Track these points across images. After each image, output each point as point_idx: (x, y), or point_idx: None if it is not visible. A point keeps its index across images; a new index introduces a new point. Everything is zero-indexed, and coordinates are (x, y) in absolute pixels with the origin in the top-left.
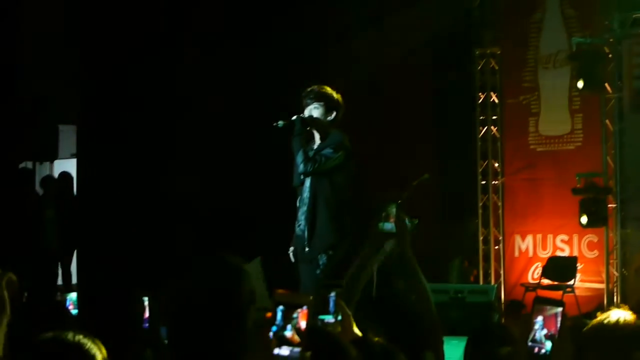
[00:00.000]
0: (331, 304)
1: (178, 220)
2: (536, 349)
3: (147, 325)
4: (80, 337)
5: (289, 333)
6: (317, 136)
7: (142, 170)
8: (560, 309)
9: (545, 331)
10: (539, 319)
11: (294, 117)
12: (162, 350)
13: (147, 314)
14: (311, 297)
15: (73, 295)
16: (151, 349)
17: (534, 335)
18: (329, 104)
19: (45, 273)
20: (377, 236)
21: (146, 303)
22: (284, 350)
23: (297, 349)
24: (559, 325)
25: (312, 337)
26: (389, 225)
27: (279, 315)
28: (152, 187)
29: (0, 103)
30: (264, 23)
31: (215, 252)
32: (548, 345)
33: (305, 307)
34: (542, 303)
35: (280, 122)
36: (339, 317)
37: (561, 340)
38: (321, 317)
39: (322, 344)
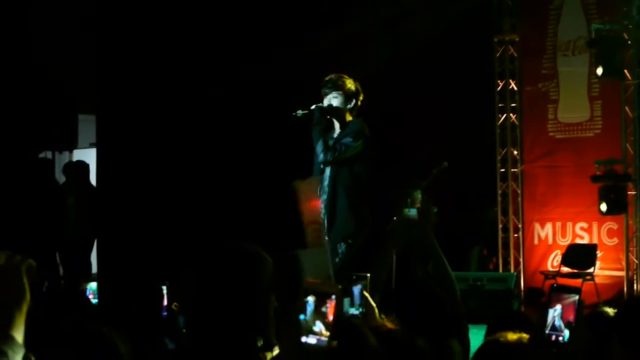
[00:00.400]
0: (356, 296)
1: (197, 209)
2: (554, 337)
3: (165, 313)
4: (102, 328)
5: (316, 322)
6: (337, 125)
7: (161, 160)
8: (577, 297)
9: (562, 319)
10: (557, 307)
11: (313, 107)
12: (180, 339)
13: (165, 303)
14: (340, 287)
15: (93, 285)
16: (170, 337)
17: (553, 322)
18: (347, 93)
19: (70, 261)
20: (402, 222)
21: (165, 292)
22: (311, 339)
23: (324, 338)
24: (575, 312)
25: (339, 327)
26: (414, 211)
27: (309, 304)
28: (171, 176)
29: (19, 93)
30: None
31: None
32: (566, 333)
33: (334, 297)
34: (559, 291)
35: (299, 112)
36: (362, 309)
37: (578, 328)
38: (345, 309)
39: (348, 334)
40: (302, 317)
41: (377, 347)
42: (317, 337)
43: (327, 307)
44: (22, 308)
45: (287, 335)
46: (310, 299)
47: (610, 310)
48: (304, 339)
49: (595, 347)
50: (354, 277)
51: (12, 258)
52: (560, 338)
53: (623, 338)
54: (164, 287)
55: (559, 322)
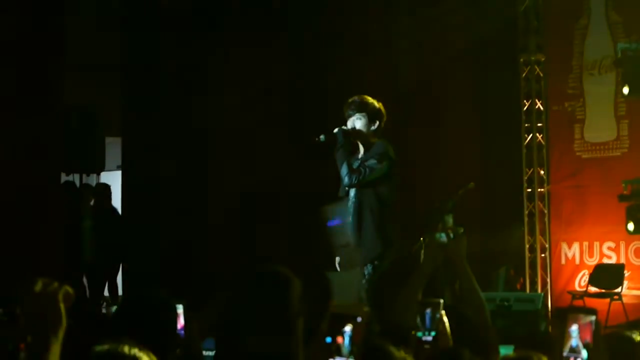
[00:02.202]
0: (427, 320)
1: (223, 232)
2: (572, 358)
3: (182, 332)
4: (135, 350)
5: (342, 345)
6: (361, 147)
7: (186, 181)
8: (594, 317)
9: (580, 339)
10: (574, 327)
11: (336, 130)
12: (199, 356)
13: (182, 322)
14: (366, 309)
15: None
16: (187, 354)
17: (570, 344)
18: (371, 114)
19: (81, 285)
20: (434, 247)
21: (180, 311)
22: None
23: None
24: (593, 333)
25: (367, 350)
26: (444, 236)
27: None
28: (196, 198)
29: (46, 115)
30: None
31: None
32: (584, 354)
33: (359, 319)
34: (575, 312)
35: (322, 137)
36: (434, 333)
37: (596, 349)
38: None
39: (376, 356)
40: (328, 339)
41: None
42: (344, 359)
43: (351, 329)
44: (57, 334)
45: (314, 358)
46: (348, 328)
47: (634, 334)
48: None
49: None
50: (425, 301)
51: (49, 284)
52: (579, 359)
53: None
54: (180, 306)
55: (576, 343)
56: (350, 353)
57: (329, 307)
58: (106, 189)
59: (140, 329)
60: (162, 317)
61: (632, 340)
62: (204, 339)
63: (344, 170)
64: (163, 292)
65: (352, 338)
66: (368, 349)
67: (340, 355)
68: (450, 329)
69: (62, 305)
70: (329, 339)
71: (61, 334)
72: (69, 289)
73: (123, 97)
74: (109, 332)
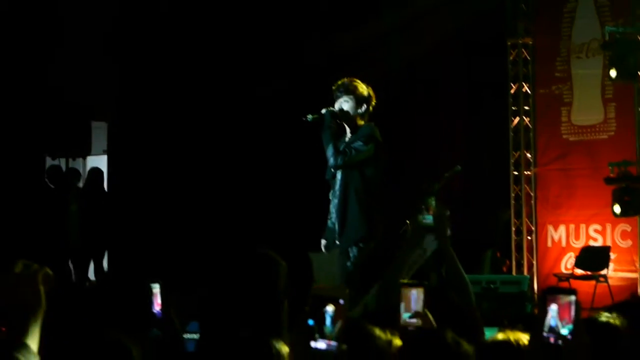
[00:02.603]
0: (413, 302)
1: (209, 215)
2: (552, 339)
3: (159, 311)
4: (117, 334)
5: (326, 326)
6: (348, 130)
7: (172, 166)
8: (573, 298)
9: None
10: (553, 307)
11: (324, 111)
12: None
13: (159, 301)
14: (347, 291)
15: None
16: (165, 335)
17: (549, 323)
18: (359, 97)
19: (66, 268)
20: (418, 229)
21: (156, 290)
22: (321, 344)
23: (334, 343)
24: (573, 313)
25: (349, 330)
26: (430, 218)
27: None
28: (182, 182)
29: (33, 100)
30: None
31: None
32: (565, 332)
33: (341, 301)
34: (555, 292)
35: (310, 116)
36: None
37: (577, 330)
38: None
39: (359, 337)
40: (311, 322)
41: (387, 349)
42: (327, 341)
43: (333, 310)
44: (37, 316)
45: (297, 341)
46: (329, 309)
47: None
48: (313, 344)
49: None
50: (410, 283)
51: (28, 266)
52: (560, 341)
53: None
54: (157, 286)
55: (555, 322)
56: (332, 334)
57: (311, 289)
58: (100, 173)
59: (115, 308)
60: (136, 297)
61: (609, 325)
62: (190, 322)
63: (329, 151)
64: (142, 273)
65: (333, 319)
66: (350, 330)
67: (322, 337)
68: (435, 310)
69: (41, 288)
70: (311, 321)
71: (40, 316)
72: (49, 271)
73: (110, 82)
74: (87, 312)
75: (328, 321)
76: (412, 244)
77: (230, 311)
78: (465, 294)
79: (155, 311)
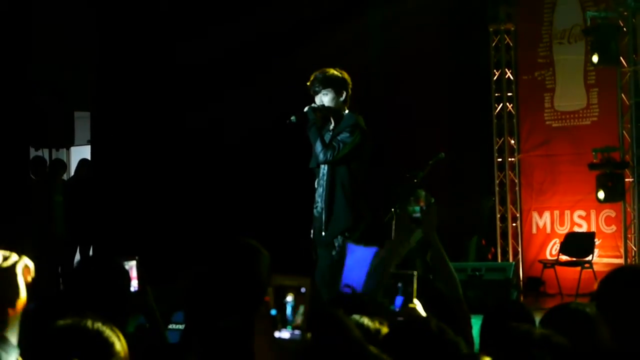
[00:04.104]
0: (399, 292)
1: (193, 205)
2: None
3: (136, 288)
4: (99, 325)
5: (288, 316)
6: (332, 120)
7: (156, 156)
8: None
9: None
10: (289, 299)
11: (306, 109)
12: (152, 314)
13: (135, 277)
14: (309, 279)
15: None
16: (141, 313)
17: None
18: (336, 86)
19: (52, 258)
20: (406, 220)
21: (132, 266)
22: (284, 334)
23: (297, 332)
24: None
25: (313, 319)
26: (418, 209)
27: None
28: (166, 172)
29: (16, 91)
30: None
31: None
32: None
33: (303, 289)
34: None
35: (293, 118)
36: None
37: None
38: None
39: (323, 325)
40: (273, 312)
41: (357, 337)
42: (291, 331)
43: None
44: (16, 308)
45: (260, 331)
46: (290, 298)
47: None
48: (277, 333)
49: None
50: (401, 274)
51: (7, 258)
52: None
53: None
54: (134, 262)
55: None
56: (293, 323)
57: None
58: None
59: (89, 294)
60: (113, 282)
61: (585, 313)
62: (174, 312)
63: (318, 147)
64: (115, 257)
65: (293, 309)
66: (313, 317)
67: (285, 326)
68: (422, 300)
69: (20, 279)
70: (274, 311)
71: (20, 308)
72: (29, 262)
73: (92, 72)
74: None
75: (289, 310)
76: (404, 236)
77: (213, 302)
78: (453, 287)
79: (133, 289)
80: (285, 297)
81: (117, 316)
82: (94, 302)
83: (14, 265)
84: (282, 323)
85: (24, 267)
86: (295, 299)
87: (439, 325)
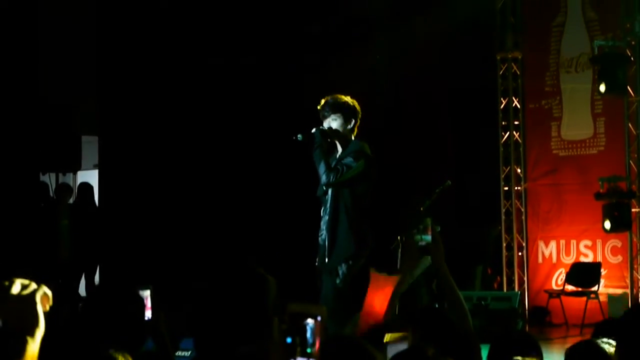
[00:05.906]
0: None
1: (200, 231)
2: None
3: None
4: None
5: (308, 339)
6: (339, 146)
7: (163, 180)
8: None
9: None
10: (310, 322)
11: (314, 130)
12: (162, 340)
13: (149, 305)
14: (324, 308)
15: None
16: (152, 338)
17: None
18: (346, 113)
19: (58, 283)
20: (413, 249)
21: (146, 294)
22: None
23: None
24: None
25: (329, 347)
26: (428, 238)
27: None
28: (173, 196)
29: (23, 114)
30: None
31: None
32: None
33: (319, 318)
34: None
35: (300, 136)
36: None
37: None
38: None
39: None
40: (289, 339)
41: None
42: (306, 358)
43: (311, 328)
44: (35, 337)
45: (275, 358)
46: (310, 321)
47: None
48: None
49: None
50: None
51: (26, 286)
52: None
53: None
54: (148, 290)
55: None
56: (312, 346)
57: (288, 307)
58: (90, 188)
59: (107, 323)
60: (128, 310)
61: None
62: (182, 339)
63: (321, 169)
64: (131, 286)
65: (313, 331)
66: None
67: (302, 355)
68: (431, 330)
69: (39, 308)
70: (289, 339)
71: (38, 336)
72: (47, 290)
73: (99, 96)
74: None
75: (309, 334)
76: (412, 266)
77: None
78: (463, 317)
79: (147, 319)
80: (300, 324)
81: (131, 344)
82: (110, 330)
83: (33, 294)
84: (302, 347)
85: (43, 296)
86: (314, 325)
87: (436, 355)
